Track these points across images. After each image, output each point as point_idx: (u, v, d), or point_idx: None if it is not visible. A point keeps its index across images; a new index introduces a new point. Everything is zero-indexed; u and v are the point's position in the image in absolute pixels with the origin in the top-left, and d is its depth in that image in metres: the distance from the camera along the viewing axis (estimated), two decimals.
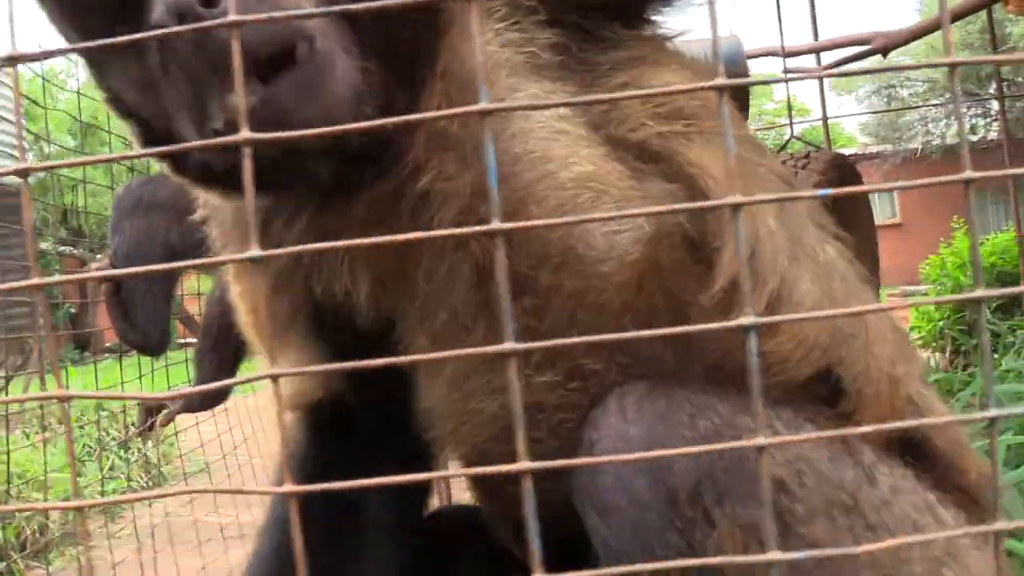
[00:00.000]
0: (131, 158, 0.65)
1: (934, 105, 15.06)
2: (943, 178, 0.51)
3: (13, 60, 0.59)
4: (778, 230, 0.84)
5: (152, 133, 0.79)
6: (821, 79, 2.03)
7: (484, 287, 0.81)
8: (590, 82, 0.86)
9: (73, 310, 10.37)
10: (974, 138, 14.80)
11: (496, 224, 0.41)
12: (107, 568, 2.23)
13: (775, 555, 0.40)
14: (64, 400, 0.47)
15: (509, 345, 0.41)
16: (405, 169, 0.80)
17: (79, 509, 0.65)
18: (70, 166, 0.47)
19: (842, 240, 0.95)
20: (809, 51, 4.89)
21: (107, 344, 7.50)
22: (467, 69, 0.81)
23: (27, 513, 3.85)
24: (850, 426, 0.80)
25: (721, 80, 0.41)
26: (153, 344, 1.93)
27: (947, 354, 5.22)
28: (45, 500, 4.53)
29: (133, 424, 5.28)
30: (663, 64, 0.89)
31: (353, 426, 1.08)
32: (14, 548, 3.73)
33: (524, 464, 0.40)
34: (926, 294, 6.59)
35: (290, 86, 0.67)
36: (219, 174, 0.74)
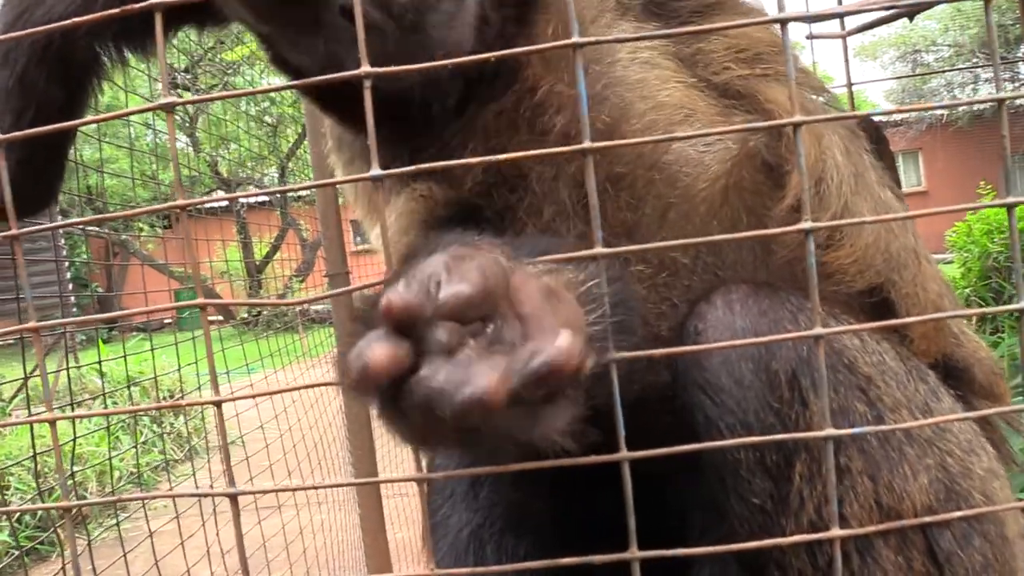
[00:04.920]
0: (276, 90, 0.77)
1: (960, 69, 14.82)
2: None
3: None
4: (844, 164, 0.96)
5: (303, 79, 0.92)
6: (845, 41, 2.03)
7: (584, 188, 0.93)
8: (675, 27, 0.99)
9: (100, 289, 10.54)
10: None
11: (587, 144, 0.49)
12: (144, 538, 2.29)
13: (830, 431, 0.49)
14: None
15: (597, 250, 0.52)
16: (524, 84, 0.93)
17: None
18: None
19: (898, 195, 1.06)
20: (834, 15, 4.82)
21: (135, 323, 7.63)
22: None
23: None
24: (904, 345, 0.94)
25: (783, 14, 0.42)
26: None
27: (973, 321, 5.21)
28: (73, 470, 4.61)
29: (165, 398, 5.38)
30: (742, 13, 1.01)
31: None
32: (53, 520, 3.83)
33: (615, 355, 0.50)
34: (951, 262, 6.56)
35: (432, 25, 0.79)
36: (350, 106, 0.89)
